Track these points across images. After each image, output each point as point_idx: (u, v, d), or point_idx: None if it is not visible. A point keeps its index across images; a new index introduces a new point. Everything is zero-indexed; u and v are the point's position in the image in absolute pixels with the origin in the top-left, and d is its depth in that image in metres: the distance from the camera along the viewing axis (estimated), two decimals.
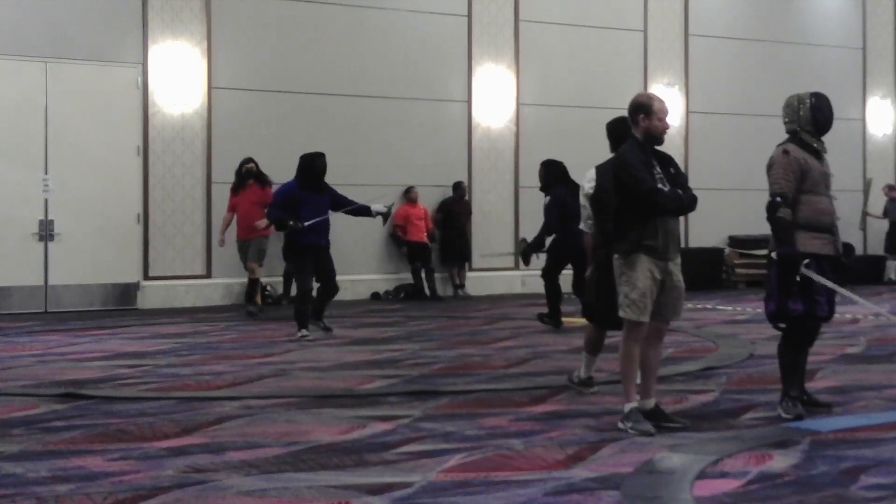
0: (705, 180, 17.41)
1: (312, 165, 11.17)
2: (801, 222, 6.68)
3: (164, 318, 13.13)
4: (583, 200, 7.77)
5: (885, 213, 19.70)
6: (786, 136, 6.95)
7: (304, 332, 11.06)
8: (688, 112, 18.94)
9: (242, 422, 6.67)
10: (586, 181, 7.73)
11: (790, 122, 6.92)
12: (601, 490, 5.00)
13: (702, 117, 19.06)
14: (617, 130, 7.76)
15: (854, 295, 6.80)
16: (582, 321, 8.07)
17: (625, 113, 6.68)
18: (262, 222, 13.01)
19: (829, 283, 6.68)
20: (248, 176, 13.99)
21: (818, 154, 6.86)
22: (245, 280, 14.22)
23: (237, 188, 14.05)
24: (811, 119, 6.84)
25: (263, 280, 15.60)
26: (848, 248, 7.09)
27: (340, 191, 11.77)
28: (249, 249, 13.97)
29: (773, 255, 6.69)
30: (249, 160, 14.14)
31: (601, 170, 7.65)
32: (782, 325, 6.86)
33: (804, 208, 6.70)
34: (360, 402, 7.39)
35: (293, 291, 15.52)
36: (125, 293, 14.80)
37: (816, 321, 6.83)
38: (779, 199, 6.65)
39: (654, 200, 6.27)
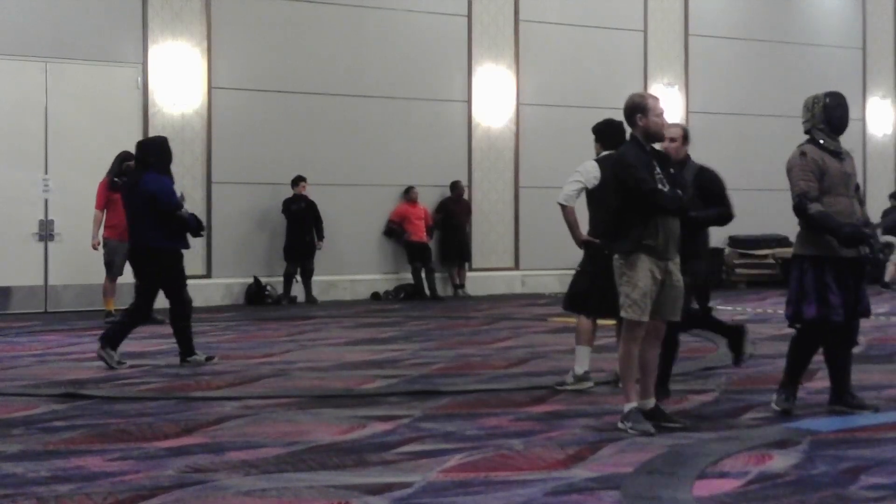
0: None
1: (169, 149, 9.49)
2: None
3: (165, 317, 13.10)
4: (577, 185, 7.72)
5: (883, 217, 19.68)
6: (805, 136, 6.96)
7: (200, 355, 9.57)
8: (688, 112, 18.92)
9: (242, 422, 6.67)
10: (588, 172, 7.70)
11: (805, 121, 6.93)
12: (601, 490, 5.00)
13: (702, 117, 19.03)
14: (602, 131, 7.83)
15: None
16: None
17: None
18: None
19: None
20: (128, 173, 11.91)
21: (837, 154, 6.83)
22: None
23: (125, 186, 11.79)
24: (824, 118, 6.82)
25: (263, 280, 15.58)
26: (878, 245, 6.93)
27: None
28: (119, 256, 12.42)
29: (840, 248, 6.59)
30: (130, 156, 11.90)
31: (604, 164, 7.67)
32: (797, 325, 6.88)
33: None
34: (360, 402, 7.39)
35: (293, 291, 15.61)
36: (125, 293, 14.75)
37: (832, 325, 6.72)
38: (803, 198, 6.63)
39: (654, 202, 6.27)
